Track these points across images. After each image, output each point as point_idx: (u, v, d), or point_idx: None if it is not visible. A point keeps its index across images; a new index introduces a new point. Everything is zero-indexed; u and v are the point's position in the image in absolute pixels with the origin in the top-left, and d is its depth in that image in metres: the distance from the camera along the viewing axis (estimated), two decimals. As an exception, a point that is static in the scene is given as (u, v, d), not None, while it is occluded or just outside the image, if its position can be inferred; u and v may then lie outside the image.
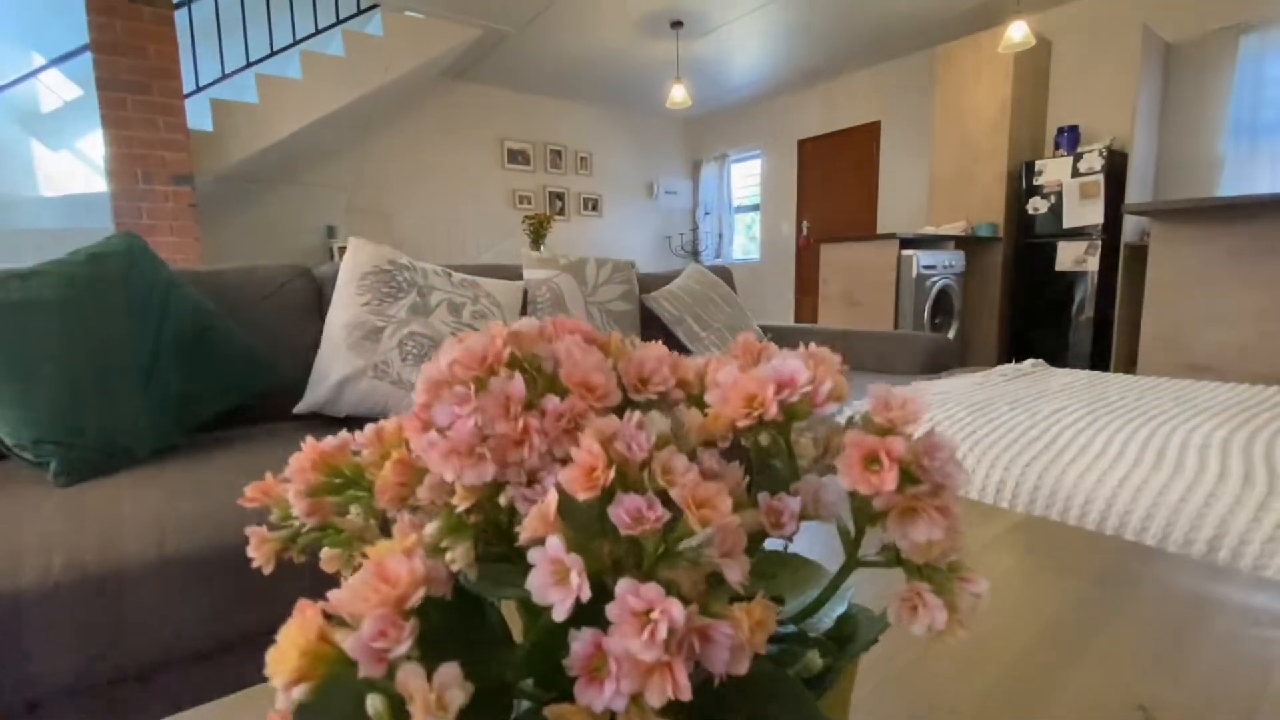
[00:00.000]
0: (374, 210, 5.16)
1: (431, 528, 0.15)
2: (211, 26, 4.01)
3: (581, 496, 0.14)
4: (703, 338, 1.99)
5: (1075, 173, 3.84)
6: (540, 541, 0.14)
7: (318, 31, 3.91)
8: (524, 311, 1.80)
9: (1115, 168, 3.75)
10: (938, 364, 1.97)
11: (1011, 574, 0.62)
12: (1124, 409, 1.22)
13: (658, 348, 0.19)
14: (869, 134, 5.56)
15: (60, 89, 4.31)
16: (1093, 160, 3.76)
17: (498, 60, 5.03)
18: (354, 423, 1.34)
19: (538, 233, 4.72)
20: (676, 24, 4.40)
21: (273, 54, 3.79)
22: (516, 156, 5.95)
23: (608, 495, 0.14)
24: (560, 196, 6.29)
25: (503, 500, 0.16)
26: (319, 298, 1.58)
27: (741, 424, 0.16)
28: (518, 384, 0.16)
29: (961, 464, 0.17)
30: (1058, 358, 3.99)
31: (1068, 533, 0.69)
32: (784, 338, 2.30)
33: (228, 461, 1.08)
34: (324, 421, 1.42)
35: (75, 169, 4.13)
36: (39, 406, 1.01)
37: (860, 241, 3.59)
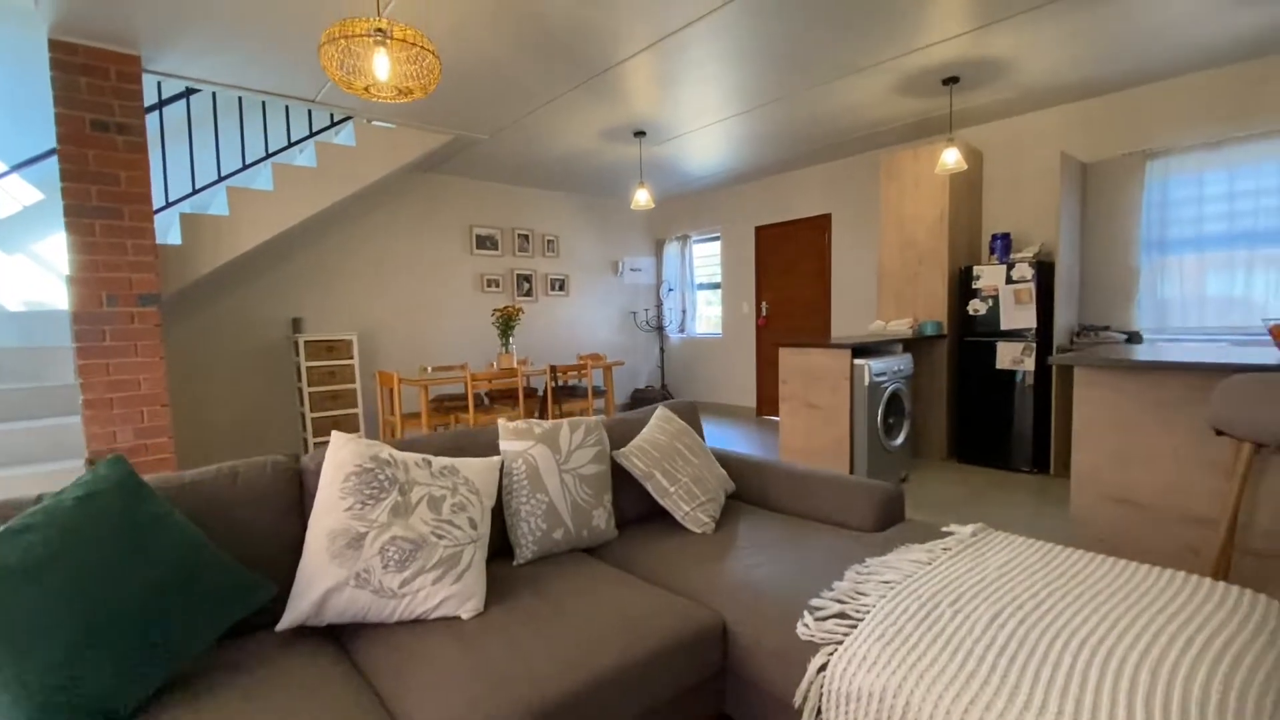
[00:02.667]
0: (341, 300, 5.18)
1: None
2: (182, 139, 4.07)
3: None
4: (671, 492, 2.09)
5: (1009, 279, 4.16)
6: None
7: (290, 144, 4.01)
8: (501, 486, 1.87)
9: (1044, 276, 4.08)
10: (889, 514, 2.10)
11: None
12: (1053, 613, 1.36)
13: None
14: (821, 225, 5.89)
15: (18, 193, 4.26)
16: (1024, 270, 4.09)
17: (467, 156, 5.19)
18: (336, 630, 1.39)
19: (506, 326, 4.81)
20: (640, 133, 4.66)
21: (245, 168, 3.86)
22: (485, 242, 6.08)
23: None
24: (528, 278, 6.42)
25: None
26: (300, 490, 1.62)
27: None
28: None
29: None
30: (1003, 452, 4.24)
31: None
32: (749, 474, 2.41)
33: (216, 716, 1.11)
34: (306, 633, 1.45)
35: (32, 276, 4.05)
36: (32, 686, 1.04)
37: (816, 348, 3.79)
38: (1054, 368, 4.00)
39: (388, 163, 4.28)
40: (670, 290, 7.52)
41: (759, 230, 6.47)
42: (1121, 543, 2.43)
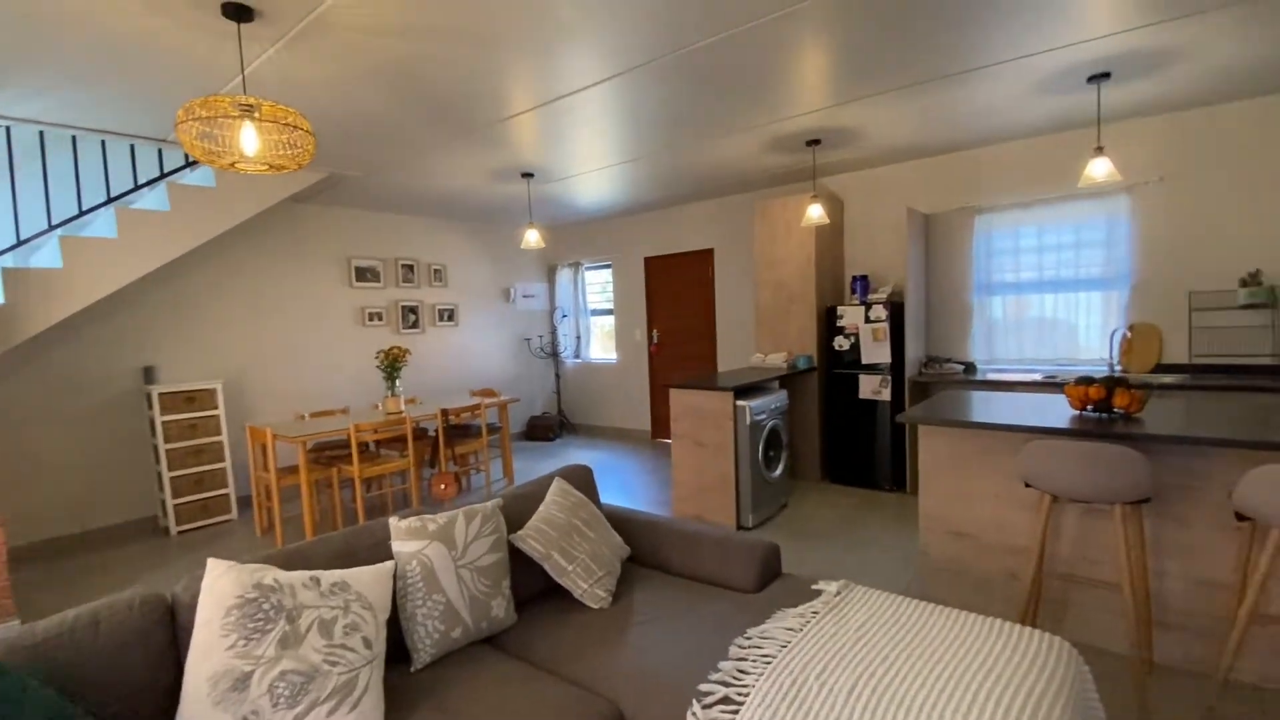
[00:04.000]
0: (201, 344, 4.75)
1: None
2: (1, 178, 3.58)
3: None
4: (569, 571, 2.17)
5: (868, 319, 4.63)
6: None
7: (137, 186, 3.64)
8: (395, 590, 1.86)
9: (896, 313, 4.58)
10: (768, 571, 2.31)
11: None
12: (900, 677, 1.59)
13: None
14: (705, 259, 6.20)
15: None
16: (879, 310, 4.56)
17: (344, 188, 4.96)
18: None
19: (392, 369, 4.65)
20: (527, 175, 4.68)
21: (82, 213, 3.46)
22: (365, 274, 5.81)
23: None
24: (414, 310, 6.21)
25: None
26: (173, 627, 1.54)
27: None
28: None
29: None
30: (869, 473, 4.70)
31: None
32: (643, 535, 2.54)
33: None
34: (187, 787, 1.39)
35: None
36: None
37: (703, 390, 4.02)
38: (908, 395, 4.50)
39: (251, 204, 4.00)
40: (564, 316, 7.57)
41: (648, 261, 6.69)
42: (959, 568, 2.82)
